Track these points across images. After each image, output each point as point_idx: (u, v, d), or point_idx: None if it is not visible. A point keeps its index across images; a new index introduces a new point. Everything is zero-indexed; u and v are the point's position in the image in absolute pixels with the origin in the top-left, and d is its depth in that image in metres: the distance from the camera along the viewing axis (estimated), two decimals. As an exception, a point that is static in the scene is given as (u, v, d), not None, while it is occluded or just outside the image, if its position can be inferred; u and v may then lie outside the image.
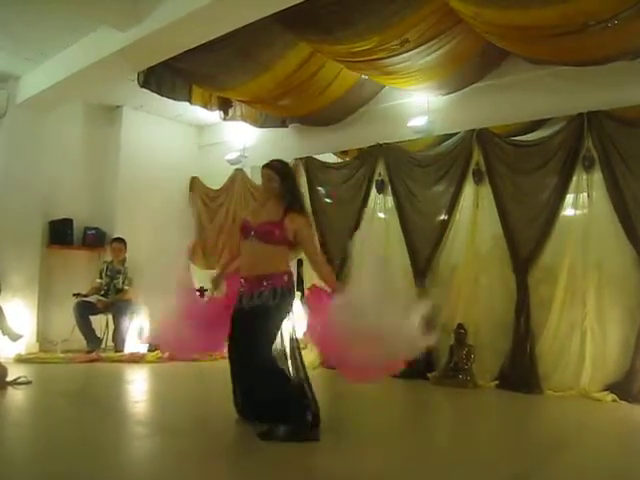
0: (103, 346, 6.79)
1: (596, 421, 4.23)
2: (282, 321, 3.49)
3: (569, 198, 5.19)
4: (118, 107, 7.76)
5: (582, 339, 4.97)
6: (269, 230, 3.43)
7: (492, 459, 3.15)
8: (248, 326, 3.39)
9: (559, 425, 4.14)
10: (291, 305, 3.54)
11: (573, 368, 4.99)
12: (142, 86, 5.93)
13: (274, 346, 3.46)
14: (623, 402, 4.60)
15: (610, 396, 4.68)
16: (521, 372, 5.12)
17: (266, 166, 3.63)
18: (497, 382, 5.26)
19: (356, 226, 6.25)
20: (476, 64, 5.42)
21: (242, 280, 3.52)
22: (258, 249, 3.46)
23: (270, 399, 3.33)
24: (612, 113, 4.96)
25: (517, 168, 5.43)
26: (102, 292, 6.95)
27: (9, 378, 4.66)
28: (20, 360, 5.93)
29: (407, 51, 4.93)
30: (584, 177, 5.09)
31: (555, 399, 4.86)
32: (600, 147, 4.97)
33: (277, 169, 3.59)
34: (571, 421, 4.26)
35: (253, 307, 3.40)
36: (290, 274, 3.56)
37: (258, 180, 7.67)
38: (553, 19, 4.04)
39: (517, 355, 5.19)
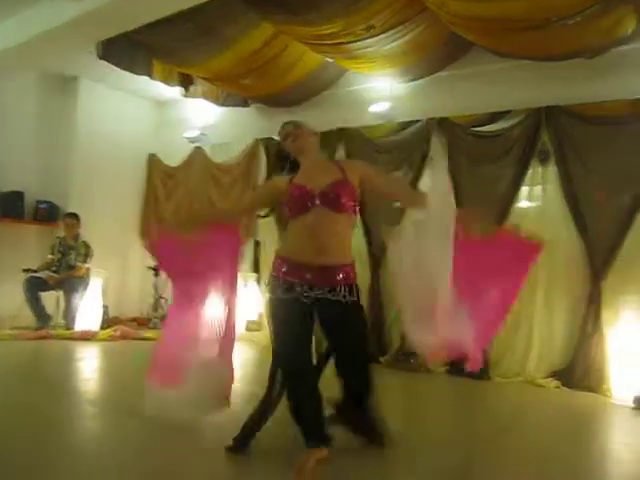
0: (53, 323, 6.65)
1: (539, 406, 4.41)
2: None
3: (524, 190, 5.30)
4: (75, 78, 7.51)
5: (530, 328, 5.13)
6: (341, 192, 2.67)
7: (439, 443, 3.24)
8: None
9: (504, 410, 4.28)
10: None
11: (520, 356, 5.14)
12: (101, 58, 5.77)
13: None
14: (565, 388, 4.80)
15: (554, 383, 4.87)
16: (471, 358, 5.24)
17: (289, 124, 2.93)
18: (447, 367, 5.38)
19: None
20: (440, 53, 5.45)
21: (293, 266, 2.73)
22: (327, 222, 2.67)
23: None
24: (569, 109, 5.07)
25: (476, 158, 5.50)
26: (54, 268, 6.79)
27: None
28: (-35, 336, 5.77)
29: (372, 37, 4.93)
30: (539, 170, 5.21)
31: (502, 385, 5.01)
32: (556, 141, 5.09)
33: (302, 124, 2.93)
34: (516, 406, 4.41)
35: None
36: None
37: (218, 159, 7.69)
38: (517, 13, 4.10)
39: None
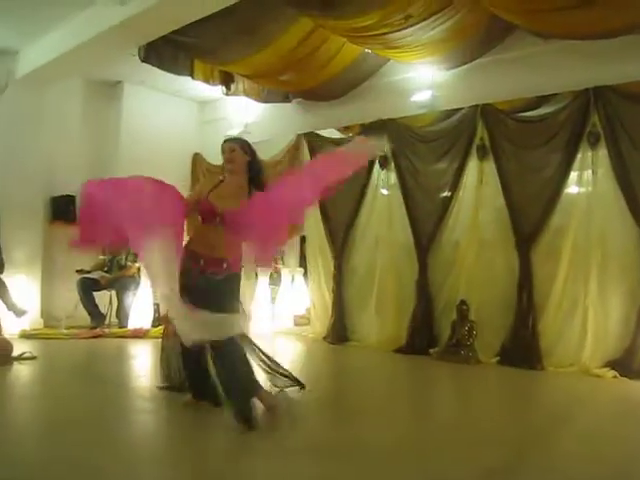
0: (107, 322, 6.84)
1: (596, 397, 4.27)
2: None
3: (573, 175, 5.15)
4: (119, 82, 7.69)
5: (584, 315, 4.99)
6: (236, 220, 3.20)
7: (490, 434, 3.18)
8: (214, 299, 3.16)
9: (559, 401, 4.16)
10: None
11: (574, 344, 5.01)
12: (143, 61, 5.86)
13: None
14: (624, 378, 4.63)
15: (611, 372, 4.71)
16: (523, 348, 5.14)
17: (229, 140, 3.49)
18: (499, 358, 5.29)
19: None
20: (481, 38, 5.34)
21: (194, 256, 3.27)
22: (221, 235, 3.27)
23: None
24: (619, 88, 4.89)
25: (521, 144, 5.39)
26: (105, 268, 6.97)
27: (14, 353, 4.71)
28: (25, 336, 5.97)
29: (411, 26, 4.85)
30: (589, 154, 5.05)
31: (556, 375, 4.89)
32: (606, 123, 4.92)
33: (242, 143, 3.46)
34: (571, 397, 4.28)
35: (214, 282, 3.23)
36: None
37: (261, 155, 7.68)
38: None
39: (519, 331, 5.21)
